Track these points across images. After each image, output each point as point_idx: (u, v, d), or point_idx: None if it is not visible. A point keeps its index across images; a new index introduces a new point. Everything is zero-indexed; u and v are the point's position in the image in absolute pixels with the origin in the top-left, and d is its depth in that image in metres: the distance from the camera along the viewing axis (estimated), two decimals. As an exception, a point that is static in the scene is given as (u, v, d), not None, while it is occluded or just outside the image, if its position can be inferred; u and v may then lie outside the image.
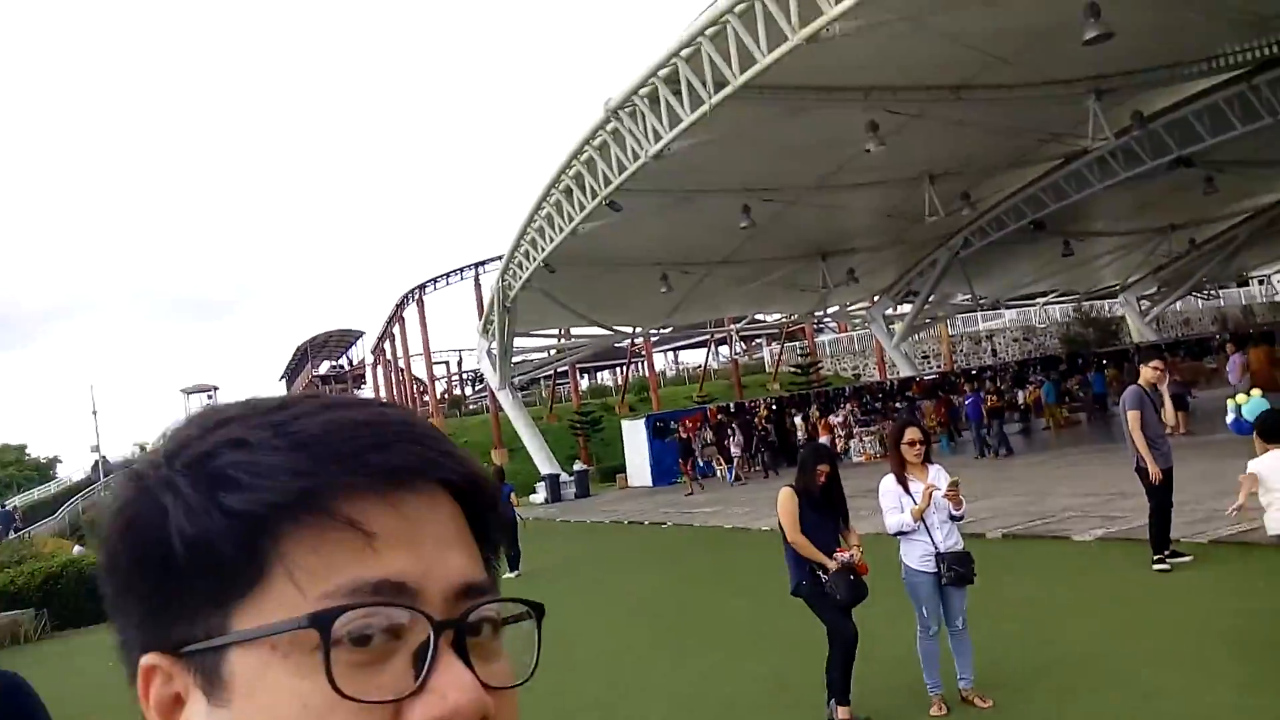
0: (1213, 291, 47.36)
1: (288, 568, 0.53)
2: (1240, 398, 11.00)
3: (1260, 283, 52.20)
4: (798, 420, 30.94)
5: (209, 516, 0.54)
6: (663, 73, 16.40)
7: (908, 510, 5.85)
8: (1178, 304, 44.57)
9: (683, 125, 16.75)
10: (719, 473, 28.24)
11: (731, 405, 33.71)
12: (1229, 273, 43.16)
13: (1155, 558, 8.75)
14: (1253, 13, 16.57)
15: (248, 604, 0.53)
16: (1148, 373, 9.21)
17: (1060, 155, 23.99)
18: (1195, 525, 10.02)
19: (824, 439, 25.79)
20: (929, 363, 46.04)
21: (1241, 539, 9.31)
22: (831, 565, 5.73)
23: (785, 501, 5.94)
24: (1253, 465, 6.43)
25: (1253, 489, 6.39)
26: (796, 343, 50.89)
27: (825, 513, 5.91)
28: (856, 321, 40.37)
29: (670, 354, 61.56)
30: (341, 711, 0.51)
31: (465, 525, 0.60)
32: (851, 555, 5.85)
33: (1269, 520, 6.40)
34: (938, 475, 5.95)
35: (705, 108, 16.10)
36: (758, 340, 56.60)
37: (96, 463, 51.46)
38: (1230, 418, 11.04)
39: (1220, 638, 6.59)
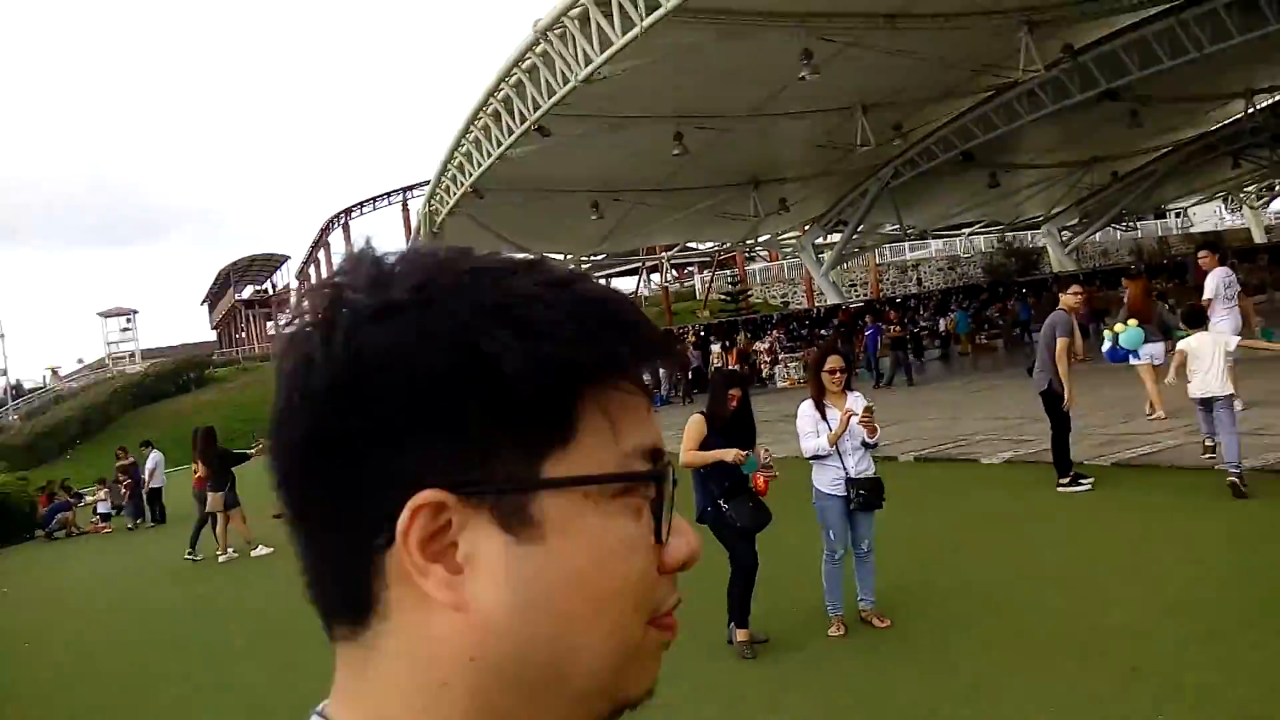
0: (1131, 224, 48.47)
1: (597, 424, 0.58)
2: (1118, 327, 11.25)
3: (1176, 215, 53.58)
4: (715, 348, 30.89)
5: (524, 364, 0.55)
6: (594, -7, 15.92)
7: (824, 435, 5.92)
8: (1097, 235, 45.52)
9: (614, 48, 16.32)
10: (648, 398, 28.30)
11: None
12: (1148, 205, 44.19)
13: (1061, 480, 9.00)
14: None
15: (562, 453, 0.57)
16: (1071, 299, 9.29)
17: (991, 87, 24.05)
18: (1099, 449, 10.27)
19: (734, 368, 25.96)
20: (856, 291, 46.50)
21: (1142, 462, 9.61)
22: (728, 457, 5.74)
23: (691, 426, 5.96)
24: (1181, 344, 8.36)
25: (1180, 362, 8.26)
26: (728, 270, 50.92)
27: (734, 439, 5.91)
28: (787, 250, 40.49)
29: (601, 282, 61.21)
30: (645, 550, 0.59)
31: None
32: (767, 455, 5.91)
33: (1191, 388, 8.17)
34: (856, 402, 5.98)
35: (637, 30, 15.70)
36: (690, 268, 56.54)
37: (5, 386, 49.86)
38: (1106, 346, 11.32)
39: (1120, 559, 6.77)
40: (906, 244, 46.61)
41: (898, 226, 35.48)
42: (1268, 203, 48.69)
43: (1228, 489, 7.68)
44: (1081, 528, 7.75)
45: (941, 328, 32.47)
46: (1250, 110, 29.90)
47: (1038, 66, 19.89)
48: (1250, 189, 45.89)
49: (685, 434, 5.95)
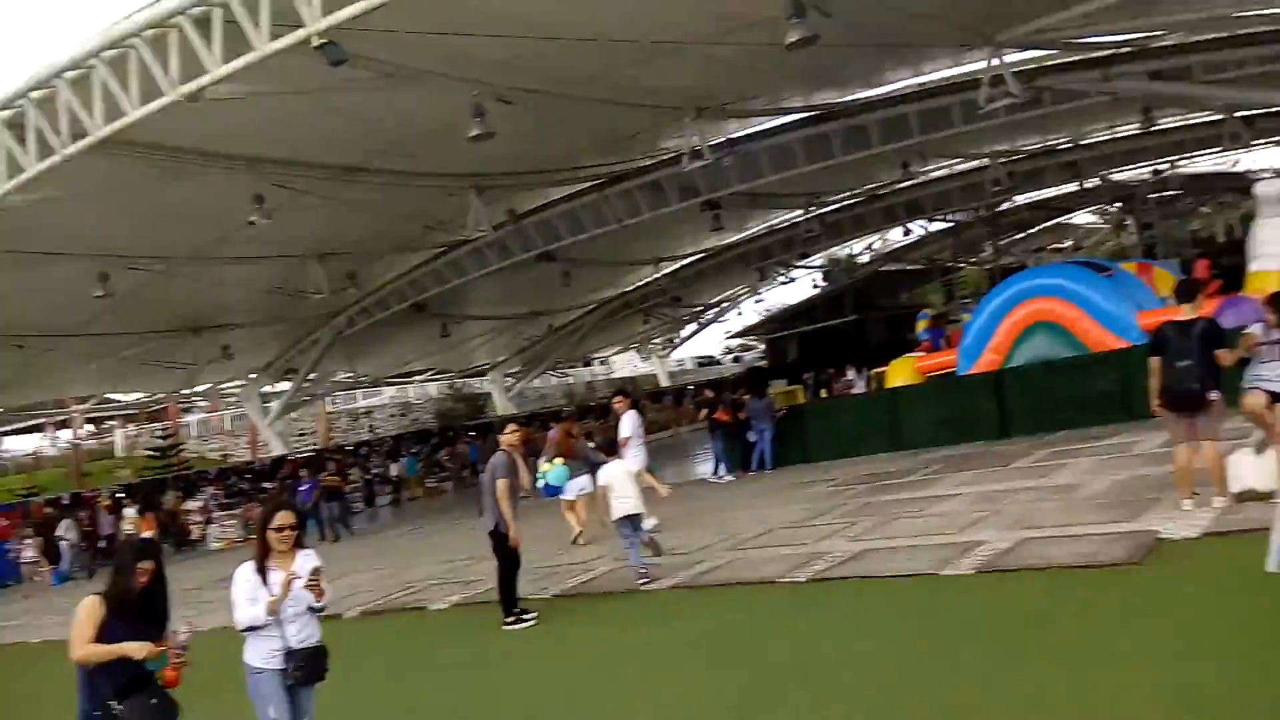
0: (564, 370, 53.35)
1: None
2: (545, 466, 12.35)
3: (601, 362, 60.21)
4: (129, 513, 26.84)
5: None
6: (4, 114, 13.58)
7: (263, 603, 5.05)
8: (536, 381, 49.17)
9: (24, 176, 14.02)
10: (37, 577, 23.72)
11: (66, 497, 29.14)
12: (577, 354, 49.00)
13: (506, 619, 8.98)
14: (607, 132, 18.88)
15: None
16: (510, 438, 9.55)
17: (444, 243, 24.98)
18: (540, 582, 10.51)
19: (147, 534, 22.89)
20: (306, 440, 44.70)
21: (580, 590, 10.03)
22: (139, 654, 4.65)
23: (83, 613, 4.75)
24: (601, 479, 9.62)
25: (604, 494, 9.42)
26: (159, 423, 45.95)
27: (142, 625, 4.81)
28: (230, 399, 37.77)
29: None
30: None
31: None
32: (187, 631, 4.84)
33: (613, 510, 9.31)
34: (304, 563, 5.19)
35: (56, 158, 13.63)
36: (111, 422, 50.05)
37: None
38: (541, 484, 12.32)
39: (565, 693, 6.79)
40: (360, 391, 46.18)
41: (351, 374, 34.99)
42: (669, 352, 56.69)
43: (658, 610, 8.50)
44: (526, 667, 7.71)
45: (393, 473, 32.48)
46: (656, 275, 34.90)
47: (485, 227, 21.06)
48: (657, 340, 53.14)
49: (76, 622, 4.71)
